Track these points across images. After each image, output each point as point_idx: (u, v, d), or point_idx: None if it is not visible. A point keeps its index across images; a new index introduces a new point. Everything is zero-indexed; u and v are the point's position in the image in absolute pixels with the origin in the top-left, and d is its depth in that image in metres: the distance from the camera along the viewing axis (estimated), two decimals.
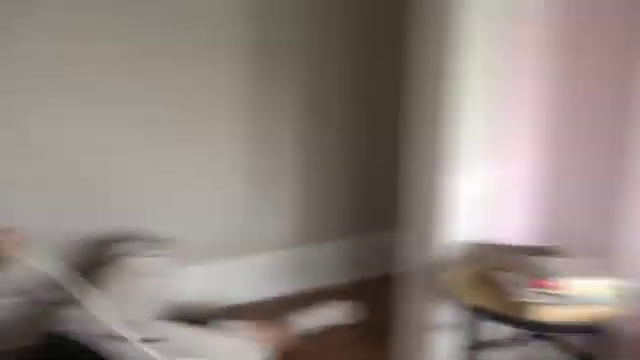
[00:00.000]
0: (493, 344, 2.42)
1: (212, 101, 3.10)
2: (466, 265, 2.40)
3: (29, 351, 2.43)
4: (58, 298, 2.45)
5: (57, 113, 2.78)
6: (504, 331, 2.34)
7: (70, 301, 2.44)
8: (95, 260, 2.81)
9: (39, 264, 2.32)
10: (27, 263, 2.28)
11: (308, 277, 3.49)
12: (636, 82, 2.16)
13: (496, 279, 2.25)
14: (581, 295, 2.09)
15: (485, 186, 2.44)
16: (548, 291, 2.09)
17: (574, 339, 2.31)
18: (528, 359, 2.56)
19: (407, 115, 2.51)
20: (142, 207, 3.03)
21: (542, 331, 2.33)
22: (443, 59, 2.33)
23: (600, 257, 2.23)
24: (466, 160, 2.39)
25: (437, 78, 2.35)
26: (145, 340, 2.40)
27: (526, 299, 2.08)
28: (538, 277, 2.11)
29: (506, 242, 2.49)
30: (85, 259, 2.91)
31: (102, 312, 2.39)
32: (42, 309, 2.57)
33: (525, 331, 2.35)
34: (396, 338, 2.74)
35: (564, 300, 2.08)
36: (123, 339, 2.36)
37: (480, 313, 2.17)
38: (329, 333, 3.09)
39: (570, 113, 2.39)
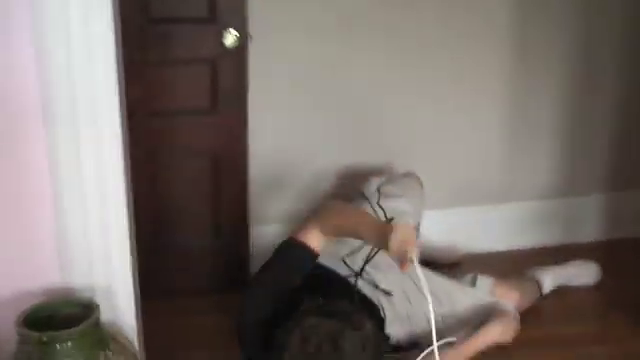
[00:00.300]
0: None
1: (478, 56, 3.12)
2: None
3: None
4: None
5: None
6: None
7: None
8: (350, 192, 2.94)
9: None
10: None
11: (556, 231, 3.38)
12: None
13: None
14: None
15: None
16: None
17: None
18: None
19: None
20: (407, 147, 3.17)
21: None
22: None
23: None
24: None
25: None
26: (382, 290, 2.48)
27: None
28: None
29: None
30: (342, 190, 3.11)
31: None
32: None
33: None
34: None
35: None
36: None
37: None
38: (571, 293, 2.97)
39: None
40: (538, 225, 3.36)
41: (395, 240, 2.11)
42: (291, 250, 2.34)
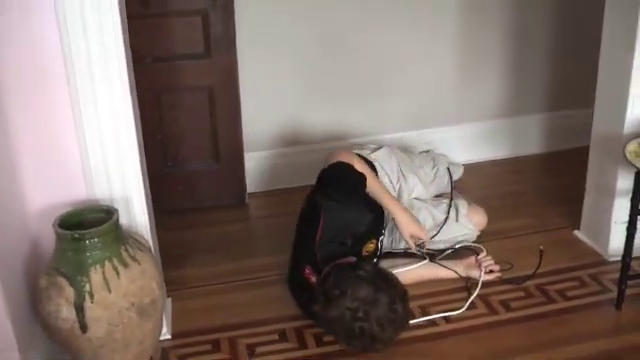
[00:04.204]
0: None
1: None
2: None
3: None
4: None
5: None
6: None
7: None
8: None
9: None
10: None
11: (505, 146, 3.58)
12: None
13: None
14: None
15: None
16: None
17: None
18: None
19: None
20: (372, 79, 3.35)
21: None
22: None
23: None
24: None
25: None
26: None
27: None
28: None
29: None
30: None
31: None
32: None
33: None
34: (583, 199, 2.82)
35: None
36: None
37: None
38: (516, 193, 3.24)
39: None
40: (489, 142, 3.55)
41: (408, 232, 2.51)
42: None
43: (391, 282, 2.22)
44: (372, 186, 2.52)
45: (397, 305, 2.14)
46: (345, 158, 2.52)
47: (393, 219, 2.55)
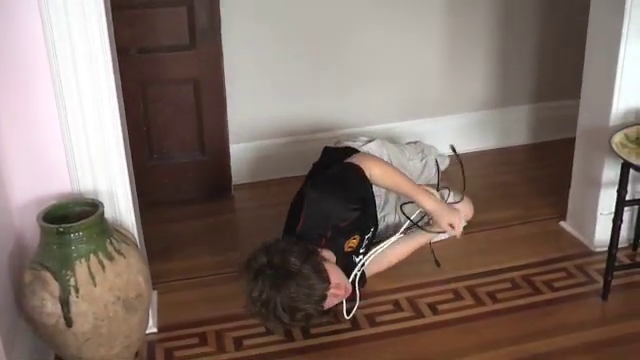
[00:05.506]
0: None
1: None
2: (634, 129, 2.42)
3: None
4: None
5: None
6: None
7: None
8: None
9: None
10: None
11: (493, 137, 3.60)
12: None
13: None
14: None
15: None
16: None
17: None
18: None
19: None
20: (361, 69, 3.34)
21: None
22: None
23: None
24: None
25: None
26: None
27: None
28: None
29: None
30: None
31: None
32: None
33: None
34: (569, 190, 2.84)
35: None
36: None
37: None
38: (504, 184, 3.26)
39: None
40: (477, 132, 3.56)
41: (446, 220, 2.47)
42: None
43: (311, 285, 2.19)
44: (396, 181, 2.51)
45: (290, 304, 2.15)
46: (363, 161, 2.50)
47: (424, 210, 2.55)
